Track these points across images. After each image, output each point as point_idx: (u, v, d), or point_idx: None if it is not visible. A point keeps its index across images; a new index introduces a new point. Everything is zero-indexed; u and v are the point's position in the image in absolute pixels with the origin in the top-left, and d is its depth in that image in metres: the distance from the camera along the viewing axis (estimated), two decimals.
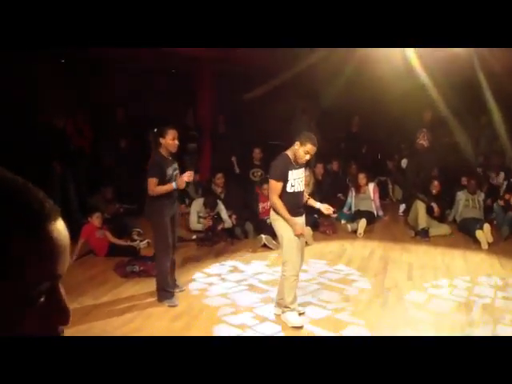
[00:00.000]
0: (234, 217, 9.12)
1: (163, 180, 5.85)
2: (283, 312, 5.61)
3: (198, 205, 9.05)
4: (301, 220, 5.60)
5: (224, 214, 8.94)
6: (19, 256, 0.73)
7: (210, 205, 8.84)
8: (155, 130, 6.00)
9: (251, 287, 6.64)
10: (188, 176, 5.99)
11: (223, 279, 6.92)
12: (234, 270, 7.35)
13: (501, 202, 9.66)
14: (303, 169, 5.60)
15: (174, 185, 5.83)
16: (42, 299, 0.78)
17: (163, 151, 5.90)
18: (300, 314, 5.68)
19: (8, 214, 0.73)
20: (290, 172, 5.39)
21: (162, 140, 5.85)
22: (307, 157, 5.45)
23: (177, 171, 6.06)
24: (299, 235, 5.43)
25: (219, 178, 9.60)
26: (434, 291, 6.57)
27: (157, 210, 5.92)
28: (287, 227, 5.44)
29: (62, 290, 0.83)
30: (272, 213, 5.60)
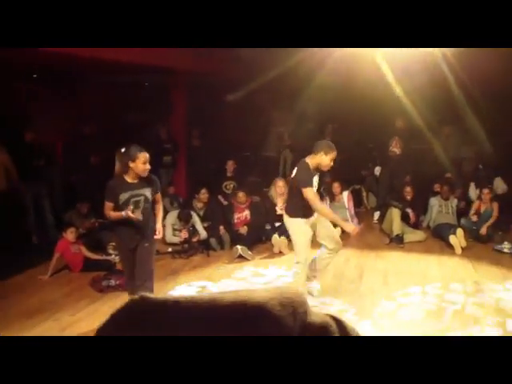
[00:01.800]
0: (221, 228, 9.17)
1: (116, 205, 5.45)
2: None
3: (172, 218, 9.05)
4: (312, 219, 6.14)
5: (199, 225, 8.95)
6: None
7: (184, 218, 8.84)
8: (123, 150, 5.38)
9: None
10: (129, 214, 5.37)
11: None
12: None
13: (474, 217, 9.76)
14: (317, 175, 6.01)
15: (123, 213, 5.42)
16: None
17: (128, 175, 5.42)
18: None
19: None
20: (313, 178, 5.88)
21: (131, 164, 5.35)
22: (331, 163, 5.96)
23: (141, 198, 5.50)
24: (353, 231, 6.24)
25: (204, 194, 9.51)
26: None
27: (115, 237, 5.85)
28: (301, 231, 5.99)
29: None
30: (286, 217, 6.12)
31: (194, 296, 0.75)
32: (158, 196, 5.76)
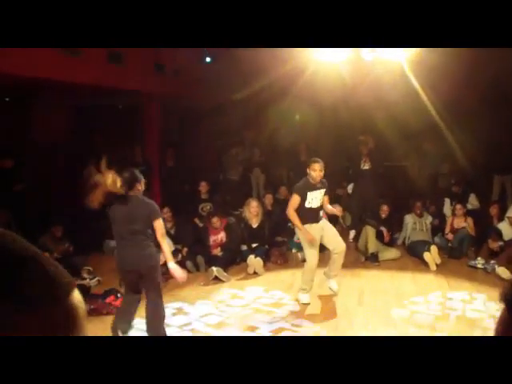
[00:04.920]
0: (185, 250, 9.09)
1: None
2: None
3: None
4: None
5: (171, 247, 8.91)
6: (45, 326, 0.75)
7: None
8: (127, 174, 5.59)
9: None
10: None
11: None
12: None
13: (449, 236, 9.84)
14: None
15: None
16: None
17: None
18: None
19: (35, 285, 0.75)
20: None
21: (138, 185, 5.66)
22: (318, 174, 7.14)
23: None
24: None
25: (166, 213, 9.44)
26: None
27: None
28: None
29: None
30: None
31: None
32: None
